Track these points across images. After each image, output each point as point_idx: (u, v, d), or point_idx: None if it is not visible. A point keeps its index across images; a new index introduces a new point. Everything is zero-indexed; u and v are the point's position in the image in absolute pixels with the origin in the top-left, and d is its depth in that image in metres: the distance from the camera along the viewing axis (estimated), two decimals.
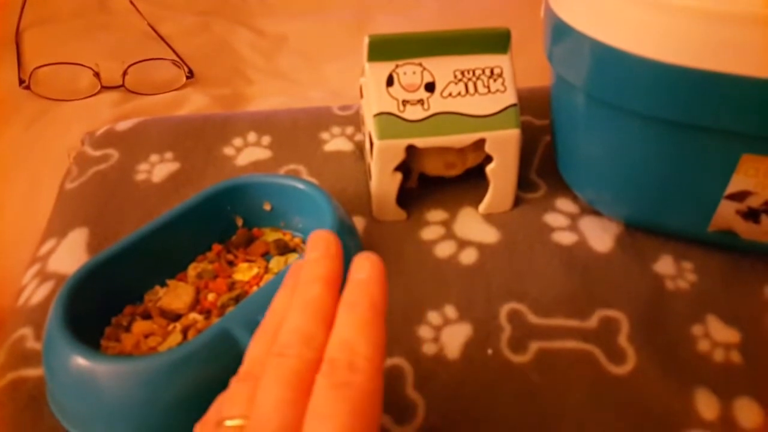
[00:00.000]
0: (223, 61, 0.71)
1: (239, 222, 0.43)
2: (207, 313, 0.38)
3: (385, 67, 0.42)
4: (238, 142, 0.53)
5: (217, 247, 0.42)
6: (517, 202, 0.47)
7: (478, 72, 0.43)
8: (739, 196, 0.37)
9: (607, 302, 0.39)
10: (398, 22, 0.78)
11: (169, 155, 0.51)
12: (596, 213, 0.45)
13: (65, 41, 0.72)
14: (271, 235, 0.43)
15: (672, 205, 0.40)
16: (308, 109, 0.57)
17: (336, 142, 0.53)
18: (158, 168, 0.50)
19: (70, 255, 0.42)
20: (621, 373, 0.36)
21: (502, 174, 0.44)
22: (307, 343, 0.22)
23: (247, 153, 0.52)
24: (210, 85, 0.66)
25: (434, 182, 0.47)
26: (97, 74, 0.63)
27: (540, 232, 0.44)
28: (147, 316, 0.38)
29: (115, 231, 0.44)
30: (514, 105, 0.43)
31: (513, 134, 0.42)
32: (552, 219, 0.45)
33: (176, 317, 0.38)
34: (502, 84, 0.43)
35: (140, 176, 0.50)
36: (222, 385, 0.32)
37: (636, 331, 0.38)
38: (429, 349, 0.37)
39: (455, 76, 0.42)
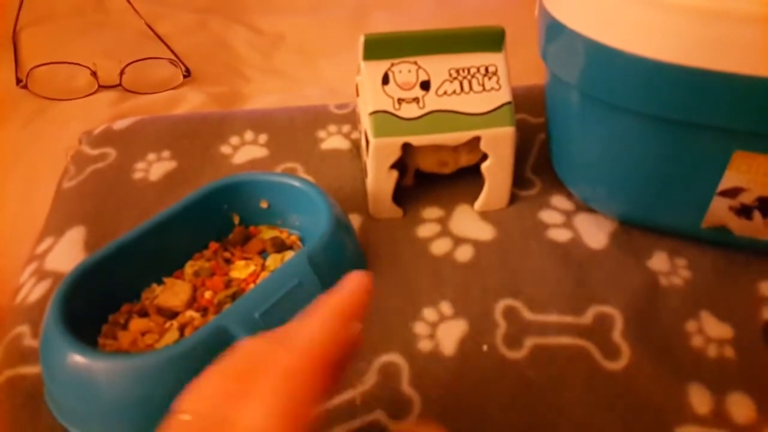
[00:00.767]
0: (220, 60, 0.71)
1: (236, 220, 0.44)
2: (204, 311, 0.38)
3: (380, 66, 0.42)
4: (235, 140, 0.53)
5: (214, 245, 0.42)
6: (513, 199, 0.47)
7: (473, 70, 0.43)
8: (732, 193, 0.37)
9: (602, 298, 0.40)
10: (395, 19, 0.79)
11: (166, 154, 0.52)
12: (591, 210, 0.46)
13: (62, 40, 0.72)
14: (267, 233, 0.44)
15: (666, 202, 0.40)
16: (305, 108, 0.57)
17: (333, 141, 0.53)
18: (155, 166, 0.50)
19: (68, 253, 0.43)
20: (615, 368, 0.36)
21: (497, 171, 0.44)
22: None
23: (244, 151, 0.52)
24: (207, 84, 0.66)
25: (430, 180, 0.48)
26: (94, 73, 0.63)
27: (535, 229, 0.45)
28: (144, 313, 0.38)
29: (112, 229, 0.44)
30: (508, 103, 0.43)
31: (508, 132, 0.43)
32: (547, 216, 0.46)
33: (173, 315, 0.38)
34: (497, 82, 0.43)
35: (137, 175, 0.50)
36: None
37: (630, 327, 0.38)
38: (425, 345, 0.37)
39: (450, 75, 0.43)
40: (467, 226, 0.45)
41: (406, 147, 0.43)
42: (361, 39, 0.42)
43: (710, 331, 0.38)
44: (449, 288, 0.41)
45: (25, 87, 0.63)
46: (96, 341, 0.36)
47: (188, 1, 0.84)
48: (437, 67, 0.43)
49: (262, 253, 0.42)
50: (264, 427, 0.20)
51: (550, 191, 0.48)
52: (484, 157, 0.44)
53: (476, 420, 0.34)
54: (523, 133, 0.53)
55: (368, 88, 0.42)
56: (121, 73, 0.63)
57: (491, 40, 0.43)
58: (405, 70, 0.42)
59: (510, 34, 0.43)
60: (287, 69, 0.71)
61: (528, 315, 0.39)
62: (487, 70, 0.43)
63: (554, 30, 0.39)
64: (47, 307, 0.34)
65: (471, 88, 0.43)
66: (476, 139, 0.43)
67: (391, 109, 0.42)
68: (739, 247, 0.42)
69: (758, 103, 0.33)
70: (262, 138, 0.53)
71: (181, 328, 0.37)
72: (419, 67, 0.43)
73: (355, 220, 0.46)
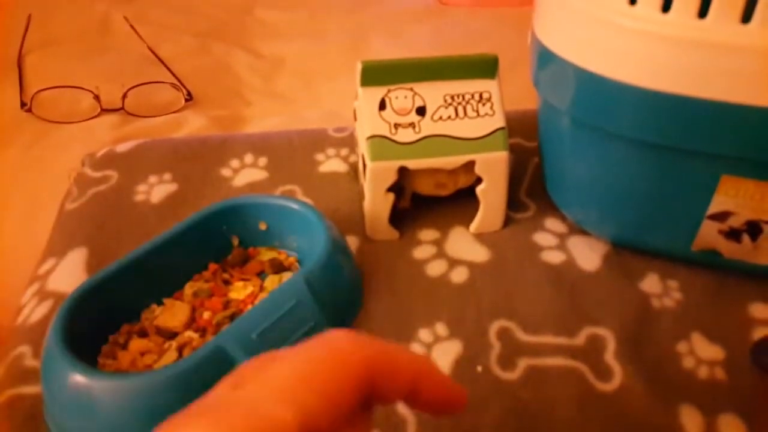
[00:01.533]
0: (222, 83, 0.72)
1: (235, 241, 0.44)
2: (202, 331, 0.39)
3: (377, 92, 0.44)
4: (235, 163, 0.54)
5: (213, 266, 0.43)
6: (507, 221, 0.48)
7: (467, 96, 0.44)
8: (721, 216, 0.38)
9: (595, 320, 0.40)
10: (392, 45, 0.80)
11: (167, 176, 0.53)
12: (584, 232, 0.46)
13: (66, 64, 0.74)
14: (266, 255, 0.44)
15: (656, 225, 0.41)
16: (304, 131, 0.58)
17: (331, 164, 0.54)
18: (157, 189, 0.51)
19: (69, 274, 0.43)
20: (608, 389, 0.36)
21: (492, 195, 0.45)
22: None
23: (244, 174, 0.53)
24: (208, 107, 0.67)
25: (426, 202, 0.48)
26: (97, 97, 0.64)
27: (529, 251, 0.45)
28: (143, 334, 0.38)
29: (113, 251, 0.45)
30: (502, 128, 0.44)
31: (501, 156, 0.44)
32: (541, 238, 0.46)
33: (172, 335, 0.38)
34: (491, 108, 0.44)
35: (139, 197, 0.51)
36: None
37: (623, 349, 0.38)
38: None
39: (445, 101, 0.44)
40: (462, 248, 0.46)
41: (403, 170, 0.44)
42: (359, 66, 0.43)
43: (701, 353, 0.38)
44: (444, 309, 0.41)
45: (29, 110, 0.64)
46: (96, 361, 0.37)
47: (190, 26, 0.85)
48: (433, 93, 0.44)
49: (261, 275, 0.43)
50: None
51: (544, 214, 0.48)
52: (480, 179, 0.45)
53: None
54: (518, 156, 0.54)
55: (365, 114, 0.43)
56: (124, 96, 0.64)
57: (485, 67, 0.44)
58: (401, 96, 0.44)
59: (504, 60, 0.44)
60: (287, 93, 0.72)
61: (522, 336, 0.39)
62: (481, 96, 0.44)
63: (545, 58, 0.40)
64: (49, 327, 0.34)
65: (465, 113, 0.44)
66: (472, 162, 0.44)
67: (387, 134, 0.43)
68: (729, 270, 0.42)
69: (744, 129, 0.34)
70: (262, 161, 0.54)
71: (180, 349, 0.37)
72: (415, 93, 0.44)
73: (353, 241, 0.46)
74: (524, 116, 0.55)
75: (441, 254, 0.45)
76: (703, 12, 0.32)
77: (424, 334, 0.39)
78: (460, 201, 0.48)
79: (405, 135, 0.43)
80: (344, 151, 0.55)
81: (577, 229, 0.47)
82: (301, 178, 0.53)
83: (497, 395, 0.36)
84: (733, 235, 0.39)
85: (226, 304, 0.40)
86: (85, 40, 0.81)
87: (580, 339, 0.39)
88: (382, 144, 0.43)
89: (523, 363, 0.38)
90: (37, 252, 0.46)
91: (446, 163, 0.43)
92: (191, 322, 0.39)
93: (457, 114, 0.44)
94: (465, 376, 0.37)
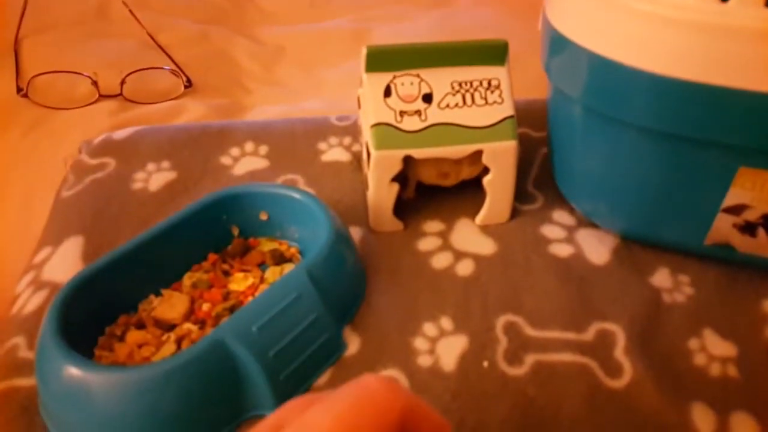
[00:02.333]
0: (222, 71, 0.71)
1: (235, 231, 0.43)
2: (201, 323, 0.38)
3: (382, 78, 0.42)
4: (235, 151, 0.53)
5: (212, 256, 0.42)
6: (514, 213, 0.47)
7: (475, 84, 0.43)
8: (736, 210, 0.37)
9: (604, 315, 0.39)
10: (395, 32, 0.79)
11: (166, 164, 0.51)
12: (593, 225, 0.45)
13: (64, 50, 0.72)
14: (267, 245, 0.43)
15: (669, 218, 0.40)
16: (306, 120, 0.57)
17: (333, 153, 0.53)
18: (155, 177, 0.50)
19: (65, 263, 0.42)
20: (617, 386, 0.35)
21: (499, 186, 0.44)
22: None
23: (245, 162, 0.52)
24: (208, 95, 0.66)
25: (431, 193, 0.47)
26: (95, 83, 0.63)
27: (537, 244, 0.44)
28: (141, 325, 0.38)
29: (110, 240, 0.44)
30: (511, 117, 0.43)
31: (510, 146, 0.42)
32: (549, 231, 0.45)
33: (170, 327, 0.37)
34: (500, 96, 0.43)
35: (137, 185, 0.49)
36: (215, 395, 0.32)
37: (632, 344, 0.37)
38: (424, 360, 0.37)
39: (453, 88, 0.43)
40: (468, 240, 0.45)
41: (408, 159, 0.43)
42: (364, 51, 0.42)
43: (713, 349, 0.37)
44: (450, 303, 0.40)
45: (25, 96, 0.63)
46: (92, 353, 0.36)
47: (190, 12, 0.84)
48: (440, 80, 0.43)
49: (261, 266, 0.42)
50: None
51: (552, 206, 0.47)
52: (486, 170, 0.44)
53: None
54: (525, 147, 0.53)
55: (370, 101, 0.42)
56: (122, 82, 0.63)
57: (494, 53, 0.43)
58: (407, 83, 0.42)
59: (512, 48, 0.43)
60: (288, 80, 0.71)
61: (529, 331, 0.38)
62: (489, 83, 0.43)
63: (558, 43, 0.39)
64: (43, 318, 0.33)
65: (473, 101, 0.43)
66: (478, 152, 0.43)
67: (392, 122, 0.42)
68: (742, 265, 0.41)
69: (763, 119, 0.32)
70: (263, 149, 0.53)
71: (179, 341, 0.36)
72: (422, 80, 0.43)
73: (356, 232, 0.45)
74: (532, 106, 0.54)
75: (446, 246, 0.44)
76: None
77: (429, 328, 0.39)
78: (466, 192, 0.47)
79: (411, 123, 0.42)
80: (347, 140, 0.54)
81: (586, 221, 0.46)
82: (302, 167, 0.51)
83: (504, 391, 0.35)
84: (748, 229, 0.38)
85: (226, 296, 0.39)
86: (83, 24, 0.80)
87: (589, 334, 0.38)
88: (387, 132, 0.42)
89: (530, 358, 0.37)
90: (32, 240, 0.45)
91: (453, 152, 0.42)
92: (190, 314, 0.38)
93: (464, 102, 0.42)
94: (471, 371, 0.36)
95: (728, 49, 0.31)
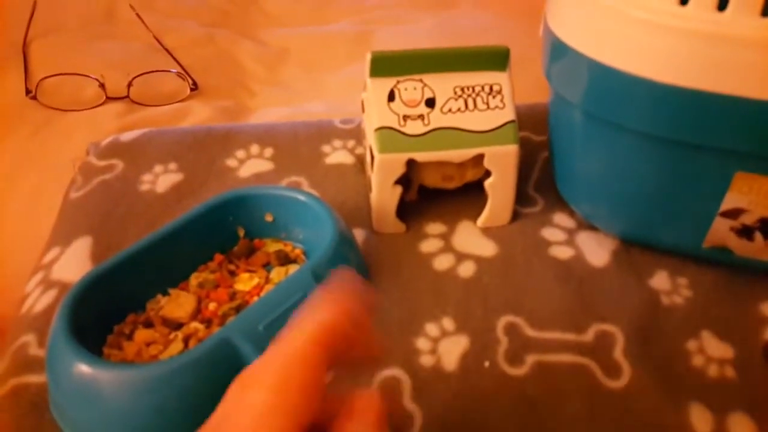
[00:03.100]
0: (227, 73, 0.72)
1: (241, 233, 0.44)
2: (208, 322, 0.38)
3: (386, 83, 0.43)
4: (240, 153, 0.54)
5: (218, 257, 0.43)
6: (515, 216, 0.47)
7: (477, 89, 0.43)
8: (733, 214, 0.38)
9: (603, 316, 0.40)
10: (398, 36, 0.79)
11: (172, 166, 0.52)
12: (593, 228, 0.46)
13: (71, 52, 0.73)
14: (272, 246, 0.44)
15: (667, 222, 0.41)
16: (310, 122, 0.58)
17: (337, 155, 0.54)
18: (162, 178, 0.51)
19: (74, 263, 0.43)
20: (616, 387, 0.36)
21: (500, 188, 0.45)
22: None
23: (250, 165, 0.53)
24: (213, 97, 0.67)
25: (433, 196, 0.48)
26: (102, 85, 0.64)
27: (537, 246, 0.45)
28: (149, 324, 0.38)
29: (118, 240, 0.45)
30: (512, 121, 0.43)
31: (511, 150, 0.43)
32: (549, 233, 0.46)
33: (178, 326, 0.38)
34: (501, 101, 0.43)
35: (144, 186, 0.50)
36: (221, 392, 0.33)
37: (631, 346, 0.38)
38: (426, 360, 0.37)
39: (455, 93, 0.43)
40: (470, 242, 0.45)
41: (411, 163, 0.43)
42: (368, 56, 0.43)
43: (711, 351, 0.38)
44: (451, 304, 0.41)
45: (34, 98, 0.64)
46: (101, 351, 0.36)
47: (195, 15, 0.85)
48: (442, 85, 0.43)
49: (267, 266, 0.43)
50: (265, 402, 0.21)
51: (552, 209, 0.48)
52: (488, 173, 0.44)
53: None
54: (526, 150, 0.53)
55: (374, 105, 0.43)
56: (129, 85, 0.64)
57: (496, 59, 0.43)
58: (410, 88, 0.43)
59: (514, 53, 0.44)
60: (292, 83, 0.72)
61: (529, 332, 0.39)
62: (491, 88, 0.43)
63: (558, 50, 0.39)
64: (54, 316, 0.34)
65: (475, 106, 0.43)
66: (481, 155, 0.43)
67: (396, 126, 0.43)
68: (740, 267, 0.42)
69: (759, 125, 0.33)
70: (268, 152, 0.54)
71: (186, 340, 0.37)
72: (425, 85, 0.43)
73: (359, 234, 0.46)
74: (533, 110, 0.54)
75: (448, 248, 0.45)
76: (722, 5, 0.31)
77: (431, 329, 0.39)
78: (468, 195, 0.47)
79: (414, 127, 0.43)
80: (351, 143, 0.55)
81: (586, 224, 0.46)
82: (307, 169, 0.52)
83: (504, 391, 0.36)
84: (746, 232, 0.38)
85: (232, 296, 0.40)
86: (90, 27, 0.81)
87: (589, 335, 0.39)
88: (390, 136, 0.42)
89: (530, 359, 0.37)
90: (41, 241, 0.46)
91: (455, 156, 0.43)
92: (197, 313, 0.39)
93: (466, 106, 0.43)
94: (472, 371, 0.37)
95: (725, 57, 0.32)
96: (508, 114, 0.43)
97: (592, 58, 0.36)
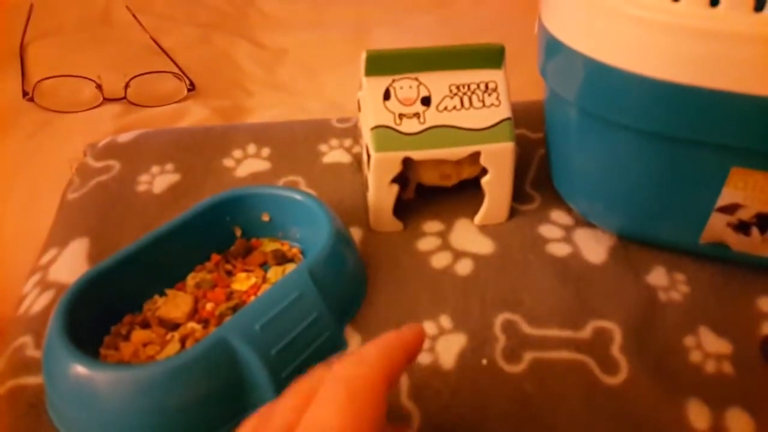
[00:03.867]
0: (224, 74, 0.72)
1: (238, 232, 0.44)
2: (205, 323, 0.38)
3: (382, 82, 0.43)
4: (237, 153, 0.54)
5: (215, 257, 0.43)
6: (512, 213, 0.47)
7: (473, 86, 0.43)
8: (730, 209, 0.38)
9: (601, 313, 0.40)
10: (395, 35, 0.79)
11: (169, 167, 0.52)
12: (590, 225, 0.46)
13: (68, 54, 0.73)
14: (269, 246, 0.44)
15: (664, 218, 0.41)
16: (307, 122, 0.58)
17: (334, 154, 0.54)
18: (159, 179, 0.51)
19: (71, 265, 0.43)
20: (614, 383, 0.36)
21: (497, 186, 0.45)
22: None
23: (247, 164, 0.53)
24: (210, 98, 0.67)
25: (430, 194, 0.48)
26: (99, 86, 0.64)
27: (534, 243, 0.45)
28: (146, 325, 0.38)
29: (115, 241, 0.45)
30: (508, 119, 0.43)
31: (507, 147, 0.43)
32: (546, 230, 0.46)
33: (174, 326, 0.38)
34: (497, 98, 0.43)
35: (141, 187, 0.50)
36: (218, 392, 0.33)
37: (629, 342, 0.38)
38: (424, 358, 0.37)
39: (450, 91, 0.43)
40: (467, 239, 0.45)
41: (408, 161, 0.43)
42: (364, 55, 0.43)
43: (709, 347, 0.38)
44: (449, 301, 0.41)
45: (31, 100, 0.64)
46: (98, 352, 0.36)
47: (192, 16, 0.85)
48: (438, 83, 0.43)
49: (264, 266, 0.43)
50: (335, 423, 0.21)
51: (549, 206, 0.48)
52: (485, 170, 0.44)
53: None
54: (523, 148, 0.53)
55: (370, 104, 0.43)
56: (126, 86, 0.64)
57: (491, 57, 0.43)
58: (406, 86, 0.43)
59: (510, 50, 0.44)
60: (289, 83, 0.72)
61: (527, 329, 0.39)
62: (487, 86, 0.43)
63: (553, 47, 0.39)
64: (50, 317, 0.34)
65: (471, 104, 0.43)
66: (477, 153, 0.43)
67: (392, 124, 0.43)
68: (737, 263, 0.42)
69: (754, 121, 0.33)
70: (265, 151, 0.54)
71: (183, 340, 0.37)
72: (420, 83, 0.43)
73: (356, 233, 0.46)
74: (529, 107, 0.54)
75: (445, 246, 0.45)
76: (715, 1, 0.31)
77: (429, 327, 0.39)
78: (465, 193, 0.47)
79: (410, 125, 0.43)
80: (348, 142, 0.55)
81: (583, 221, 0.46)
82: (304, 169, 0.52)
83: (502, 388, 0.36)
84: (742, 227, 0.38)
85: (229, 296, 0.40)
86: (87, 29, 0.81)
87: (586, 332, 0.39)
88: (386, 134, 0.42)
89: (528, 356, 0.37)
90: (38, 242, 0.46)
91: (451, 154, 0.43)
92: (194, 313, 0.39)
93: (462, 104, 0.43)
94: (470, 368, 0.37)
95: (719, 53, 0.32)
96: (504, 111, 0.43)
97: (587, 55, 0.36)
